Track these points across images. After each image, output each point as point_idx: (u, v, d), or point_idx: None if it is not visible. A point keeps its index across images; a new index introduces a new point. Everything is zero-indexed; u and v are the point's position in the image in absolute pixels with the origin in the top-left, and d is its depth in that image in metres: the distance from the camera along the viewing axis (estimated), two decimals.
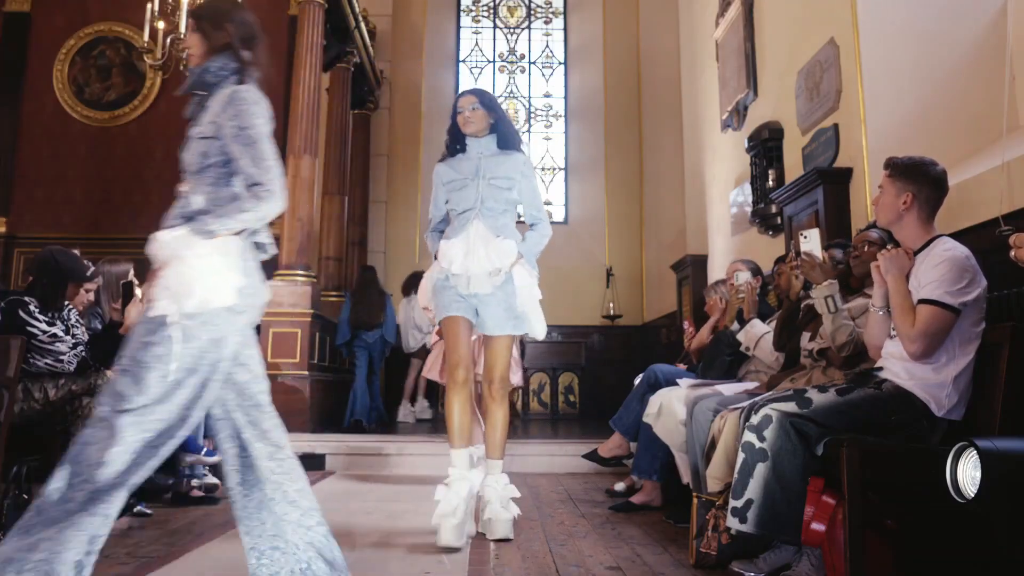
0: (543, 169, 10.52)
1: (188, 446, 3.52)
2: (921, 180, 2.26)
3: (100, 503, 1.63)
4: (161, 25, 5.76)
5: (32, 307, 2.92)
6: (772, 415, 2.14)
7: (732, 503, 2.16)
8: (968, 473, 1.57)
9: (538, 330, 3.06)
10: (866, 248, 2.78)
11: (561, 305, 9.45)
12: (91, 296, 3.36)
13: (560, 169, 10.47)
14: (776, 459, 2.11)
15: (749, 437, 2.17)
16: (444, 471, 2.97)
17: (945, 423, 2.15)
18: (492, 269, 2.90)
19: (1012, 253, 2.46)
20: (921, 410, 2.15)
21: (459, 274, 2.93)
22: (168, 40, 5.73)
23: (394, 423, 7.39)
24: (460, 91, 3.25)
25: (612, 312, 9.49)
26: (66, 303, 3.09)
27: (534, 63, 10.79)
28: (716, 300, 4.10)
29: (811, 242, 2.72)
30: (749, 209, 5.65)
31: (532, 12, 10.87)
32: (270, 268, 6.30)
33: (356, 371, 6.60)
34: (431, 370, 4.30)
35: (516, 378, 3.13)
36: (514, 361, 3.12)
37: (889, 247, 2.34)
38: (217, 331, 1.74)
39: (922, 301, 2.15)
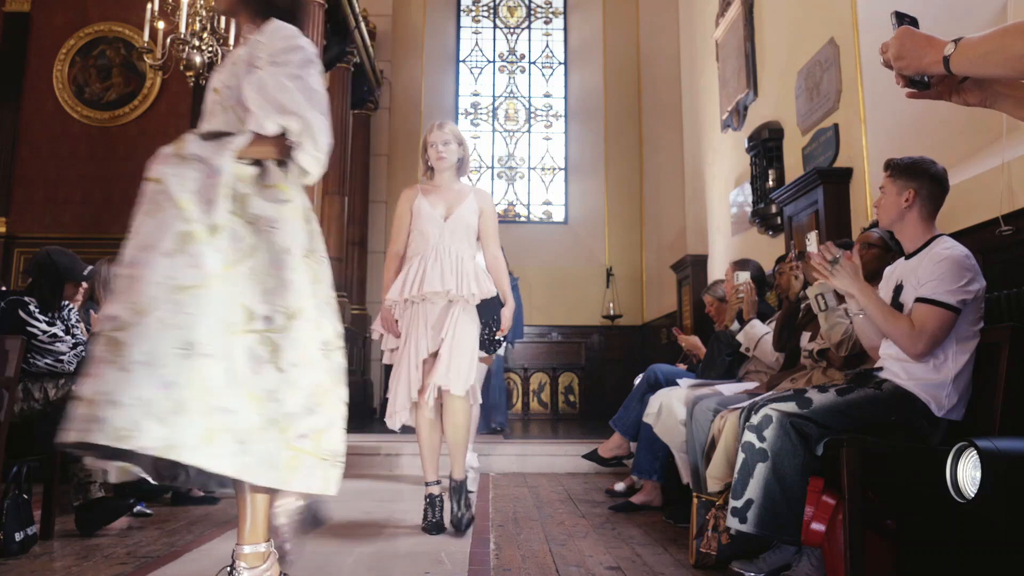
0: (543, 169, 10.52)
1: None
2: (922, 177, 2.27)
3: None
4: (161, 25, 5.76)
5: (32, 307, 2.92)
6: (772, 415, 2.15)
7: (732, 503, 2.16)
8: (968, 473, 1.57)
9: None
10: (867, 250, 2.78)
11: (561, 305, 9.47)
12: (83, 291, 3.34)
13: (560, 169, 10.47)
14: (776, 459, 2.11)
15: (749, 437, 2.17)
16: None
17: (945, 423, 2.15)
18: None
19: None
20: (921, 410, 2.15)
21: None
22: (168, 40, 5.73)
23: None
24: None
25: (612, 312, 9.49)
26: (66, 303, 3.09)
27: (534, 63, 10.78)
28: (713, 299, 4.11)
29: (812, 244, 2.80)
30: (749, 209, 5.65)
31: (532, 12, 10.87)
32: None
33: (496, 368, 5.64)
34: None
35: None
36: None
37: (813, 259, 2.40)
38: None
39: (922, 300, 2.15)
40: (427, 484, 3.07)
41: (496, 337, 3.14)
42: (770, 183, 5.27)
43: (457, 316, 2.99)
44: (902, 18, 1.32)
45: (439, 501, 3.03)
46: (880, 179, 2.36)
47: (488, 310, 3.09)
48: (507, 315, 3.11)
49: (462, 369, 2.95)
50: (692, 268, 7.28)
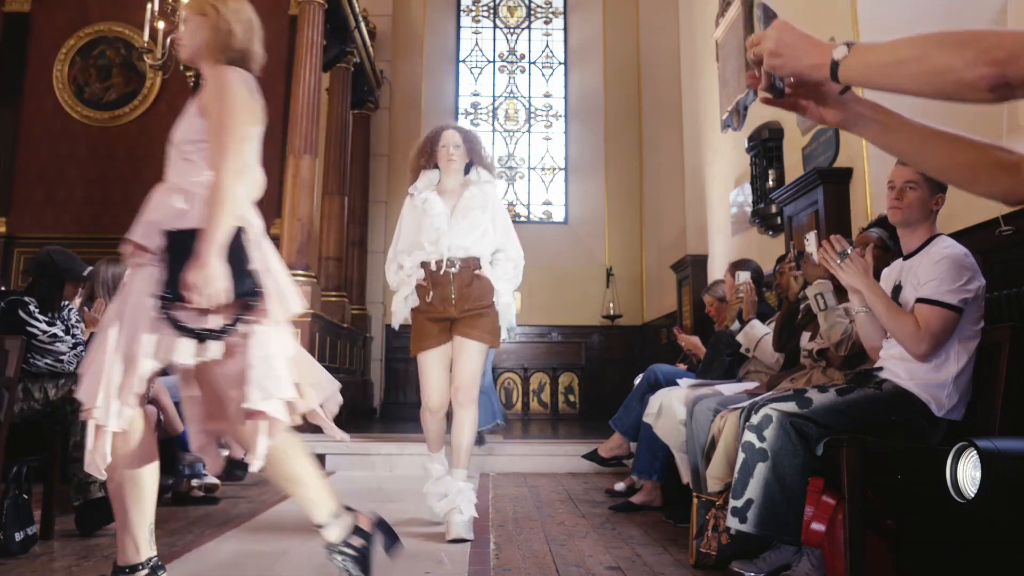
0: (543, 169, 10.52)
1: (187, 445, 3.52)
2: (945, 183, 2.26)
3: None
4: (161, 25, 5.76)
5: (32, 307, 2.92)
6: (772, 415, 2.15)
7: (732, 503, 2.16)
8: (968, 473, 1.57)
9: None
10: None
11: (561, 305, 9.47)
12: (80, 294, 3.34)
13: (560, 169, 10.47)
14: (776, 459, 2.11)
15: (749, 437, 2.17)
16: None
17: (945, 423, 2.15)
18: None
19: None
20: (921, 410, 2.15)
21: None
22: (168, 40, 5.73)
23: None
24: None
25: (612, 312, 9.49)
26: (65, 303, 3.09)
27: (534, 63, 10.78)
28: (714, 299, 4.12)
29: (811, 244, 2.79)
30: (749, 209, 5.65)
31: (532, 12, 10.87)
32: None
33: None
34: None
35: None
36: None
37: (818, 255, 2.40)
38: None
39: (924, 301, 2.15)
40: None
41: (177, 314, 1.76)
42: (770, 183, 5.27)
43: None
44: (769, 12, 1.17)
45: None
46: (881, 178, 2.34)
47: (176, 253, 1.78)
48: (194, 273, 1.73)
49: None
50: (692, 268, 7.28)
